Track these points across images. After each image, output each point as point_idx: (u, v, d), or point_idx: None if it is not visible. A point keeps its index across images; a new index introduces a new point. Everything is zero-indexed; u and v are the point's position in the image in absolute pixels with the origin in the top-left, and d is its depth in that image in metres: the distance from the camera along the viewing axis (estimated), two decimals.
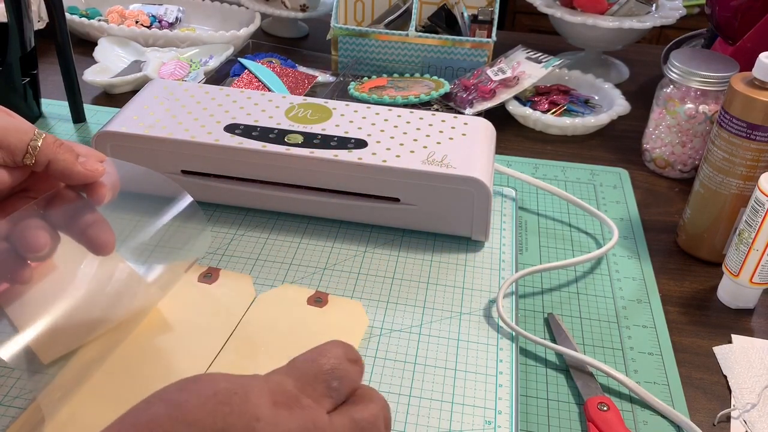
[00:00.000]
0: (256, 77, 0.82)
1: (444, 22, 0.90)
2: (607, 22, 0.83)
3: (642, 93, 0.90)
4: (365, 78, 0.85)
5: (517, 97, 0.81)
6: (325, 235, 0.60)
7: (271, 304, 0.52)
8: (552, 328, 0.52)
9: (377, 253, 0.58)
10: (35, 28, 0.78)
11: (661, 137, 0.72)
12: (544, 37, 1.07)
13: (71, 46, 0.74)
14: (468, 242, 0.60)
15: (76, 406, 0.43)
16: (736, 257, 0.54)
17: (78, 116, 0.77)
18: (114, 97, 0.84)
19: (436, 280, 0.56)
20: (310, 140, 0.59)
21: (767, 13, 0.71)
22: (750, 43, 0.73)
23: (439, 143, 0.59)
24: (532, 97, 0.83)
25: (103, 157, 0.44)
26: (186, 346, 0.48)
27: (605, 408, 0.45)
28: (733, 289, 0.56)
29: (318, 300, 0.52)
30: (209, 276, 0.54)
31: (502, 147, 0.76)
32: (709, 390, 0.49)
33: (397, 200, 0.59)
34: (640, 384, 0.48)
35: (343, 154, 0.57)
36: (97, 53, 0.89)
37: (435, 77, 0.84)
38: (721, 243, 0.60)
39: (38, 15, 0.90)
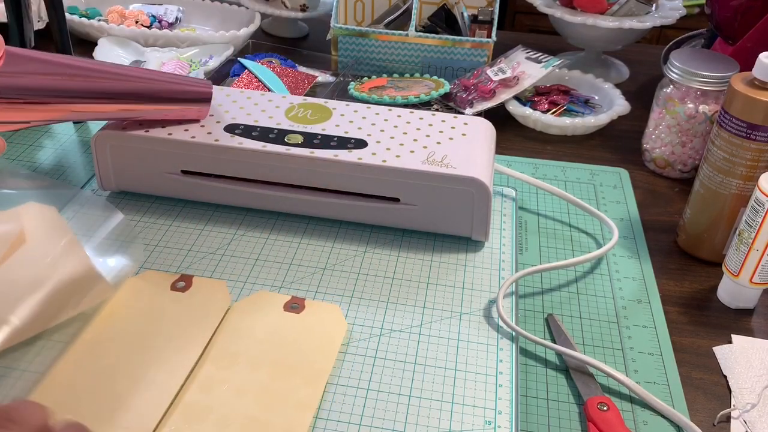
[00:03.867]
0: (256, 77, 0.82)
1: (444, 22, 0.90)
2: (607, 22, 0.83)
3: (642, 93, 0.90)
4: (365, 78, 0.85)
5: (517, 97, 0.81)
6: (325, 235, 0.60)
7: (247, 312, 0.51)
8: (552, 330, 0.52)
9: (377, 253, 0.58)
10: (35, 28, 0.78)
11: (661, 137, 0.72)
12: (544, 37, 1.07)
13: (71, 46, 0.74)
14: (468, 242, 0.60)
15: None
16: (736, 257, 0.54)
17: None
18: None
19: (436, 280, 0.56)
20: (310, 140, 0.59)
21: (767, 13, 0.71)
22: (750, 43, 0.73)
23: (439, 143, 0.59)
24: (532, 97, 0.83)
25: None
26: (162, 359, 0.46)
27: (605, 408, 0.45)
28: (733, 289, 0.56)
29: (294, 306, 0.51)
30: (182, 284, 0.53)
31: (502, 147, 0.76)
32: (709, 390, 0.49)
33: (397, 200, 0.59)
34: (640, 384, 0.48)
35: (343, 154, 0.57)
36: (97, 53, 0.89)
37: (435, 77, 0.84)
38: (721, 243, 0.60)
39: (38, 15, 0.90)
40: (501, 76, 0.80)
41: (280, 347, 0.48)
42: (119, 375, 0.45)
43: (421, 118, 0.63)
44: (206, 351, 0.47)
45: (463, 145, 0.59)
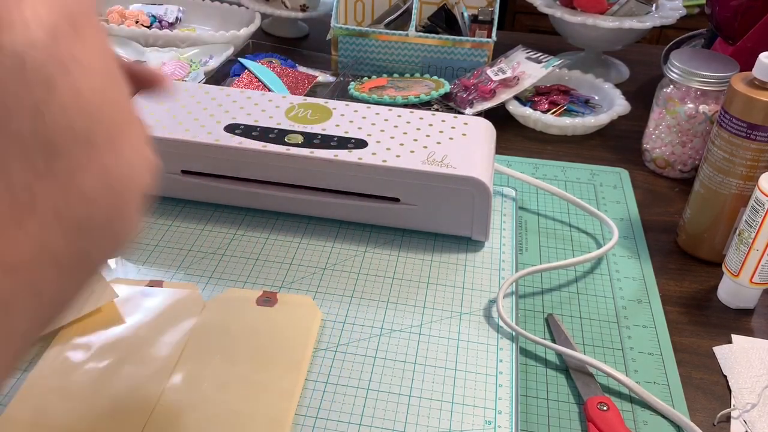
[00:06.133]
0: (256, 77, 0.82)
1: (444, 22, 0.90)
2: (607, 22, 0.83)
3: (642, 93, 0.90)
4: (365, 78, 0.85)
5: (517, 97, 0.81)
6: (325, 235, 0.60)
7: (220, 310, 0.51)
8: (552, 330, 0.52)
9: (377, 253, 0.58)
10: None
11: (661, 137, 0.72)
12: (544, 37, 1.07)
13: None
14: (468, 242, 0.60)
15: None
16: (736, 257, 0.54)
17: None
18: None
19: (436, 280, 0.56)
20: (310, 140, 0.59)
21: (767, 13, 0.71)
22: (750, 43, 0.73)
23: (439, 143, 0.59)
24: (532, 97, 0.83)
25: None
26: (142, 362, 0.46)
27: (605, 408, 0.45)
28: (733, 289, 0.56)
29: (267, 300, 0.52)
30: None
31: (502, 147, 0.76)
32: (709, 390, 0.49)
33: (397, 200, 0.59)
34: (640, 384, 0.48)
35: (343, 154, 0.57)
36: None
37: (435, 77, 0.84)
38: (721, 243, 0.60)
39: None
40: (501, 76, 0.80)
41: (255, 341, 0.48)
42: (105, 382, 0.45)
43: (421, 118, 0.63)
44: (183, 351, 0.47)
45: (463, 145, 0.59)
